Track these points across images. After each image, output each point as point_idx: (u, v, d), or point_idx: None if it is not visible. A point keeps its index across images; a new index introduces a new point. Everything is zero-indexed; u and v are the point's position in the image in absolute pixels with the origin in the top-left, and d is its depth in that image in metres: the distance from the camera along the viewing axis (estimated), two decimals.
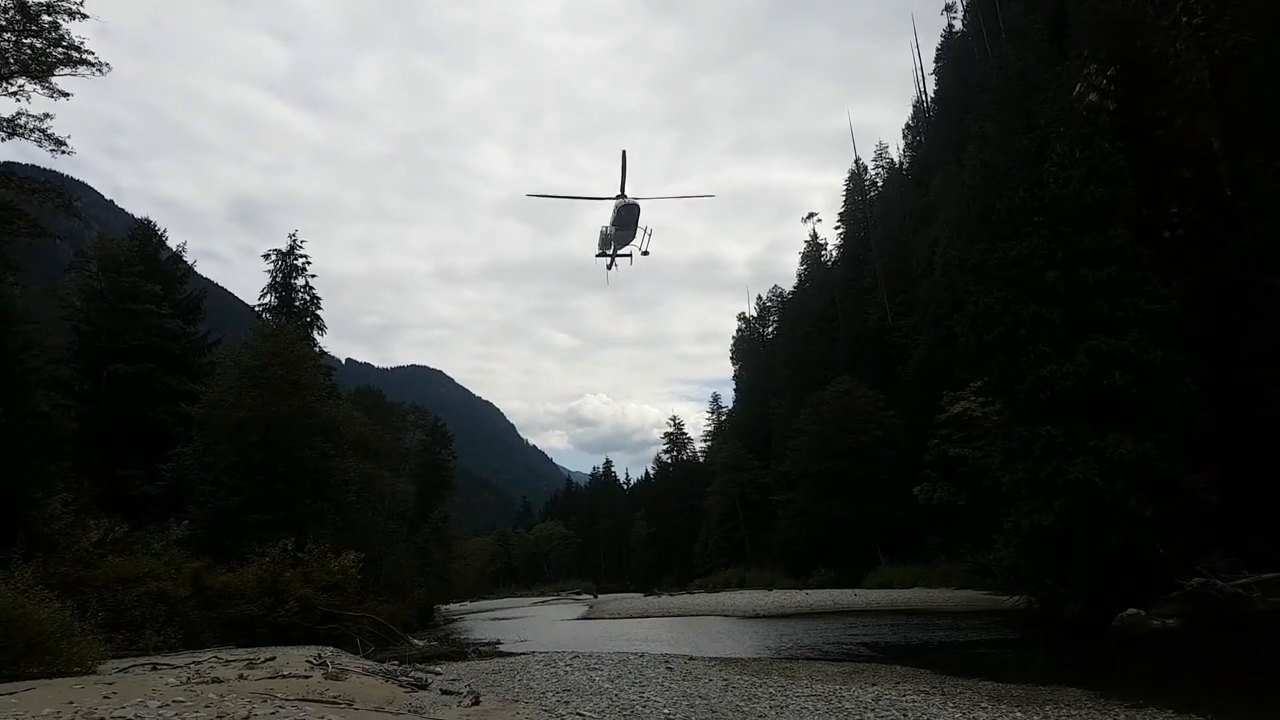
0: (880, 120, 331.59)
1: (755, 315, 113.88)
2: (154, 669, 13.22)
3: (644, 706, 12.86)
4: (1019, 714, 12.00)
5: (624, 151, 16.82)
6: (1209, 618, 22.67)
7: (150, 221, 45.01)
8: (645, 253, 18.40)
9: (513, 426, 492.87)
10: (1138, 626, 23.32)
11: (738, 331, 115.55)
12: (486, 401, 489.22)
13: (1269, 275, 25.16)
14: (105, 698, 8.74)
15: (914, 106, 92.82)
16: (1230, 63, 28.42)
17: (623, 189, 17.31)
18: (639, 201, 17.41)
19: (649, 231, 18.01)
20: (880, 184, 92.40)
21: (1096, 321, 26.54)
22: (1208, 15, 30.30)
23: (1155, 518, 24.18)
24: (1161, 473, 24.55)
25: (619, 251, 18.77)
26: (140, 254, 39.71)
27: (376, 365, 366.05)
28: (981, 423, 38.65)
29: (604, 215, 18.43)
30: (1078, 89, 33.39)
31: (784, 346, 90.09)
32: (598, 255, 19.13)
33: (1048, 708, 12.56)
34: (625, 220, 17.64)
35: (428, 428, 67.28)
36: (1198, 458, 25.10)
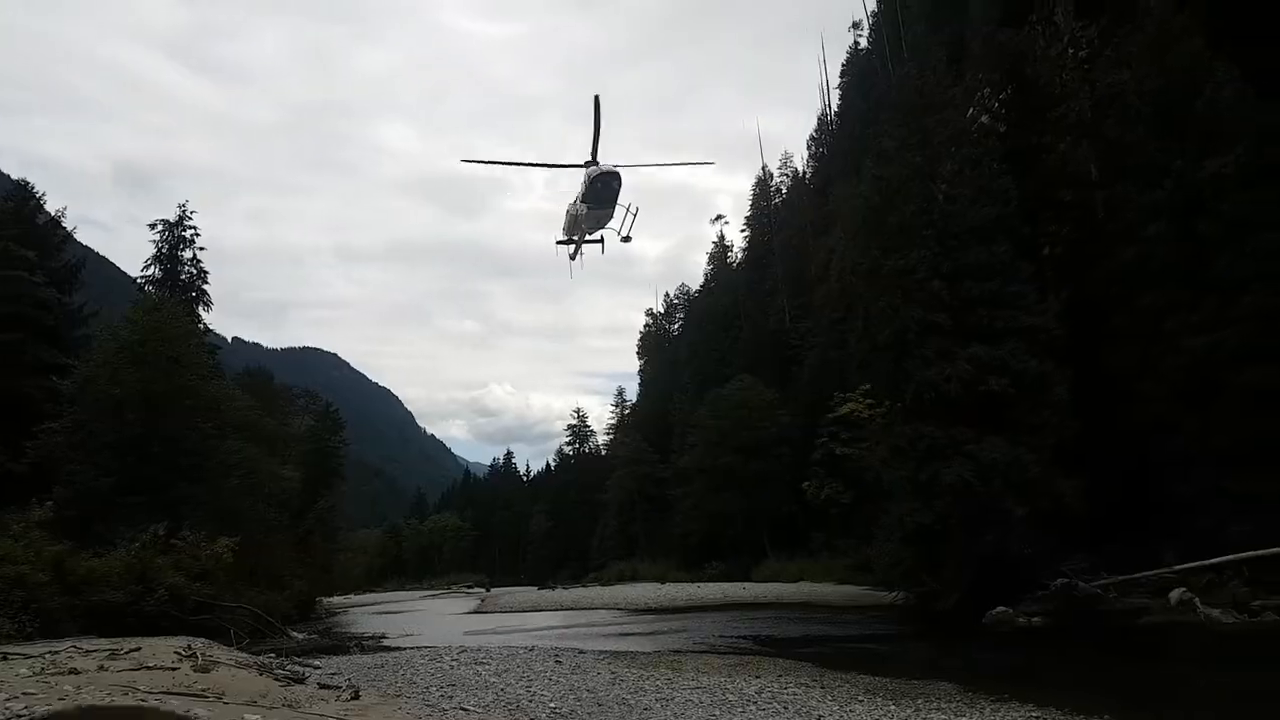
0: (788, 127, 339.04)
1: (663, 312, 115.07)
2: (4, 659, 12.35)
3: (530, 700, 12.77)
4: (893, 706, 12.49)
5: (596, 98, 12.36)
6: (1070, 616, 24.17)
7: (27, 183, 41.77)
8: (627, 238, 13.89)
9: (410, 414, 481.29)
10: (1006, 623, 24.65)
11: (645, 327, 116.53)
12: (383, 387, 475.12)
13: (1136, 296, 26.98)
14: None
15: (819, 118, 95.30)
16: (1109, 96, 30.33)
17: (595, 154, 12.97)
18: (620, 170, 13.08)
19: (634, 211, 13.58)
20: (784, 191, 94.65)
21: (978, 330, 27.92)
22: (1091, 50, 32.27)
23: (1026, 519, 25.65)
24: (1033, 476, 26.06)
25: (589, 237, 14.46)
26: (15, 217, 36.90)
27: (266, 345, 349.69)
28: (868, 423, 40.12)
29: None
30: (971, 111, 35.03)
31: (688, 343, 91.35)
32: (561, 242, 15.08)
33: (919, 700, 13.11)
34: (602, 196, 13.31)
35: (318, 412, 64.99)
36: (1067, 465, 26.72)
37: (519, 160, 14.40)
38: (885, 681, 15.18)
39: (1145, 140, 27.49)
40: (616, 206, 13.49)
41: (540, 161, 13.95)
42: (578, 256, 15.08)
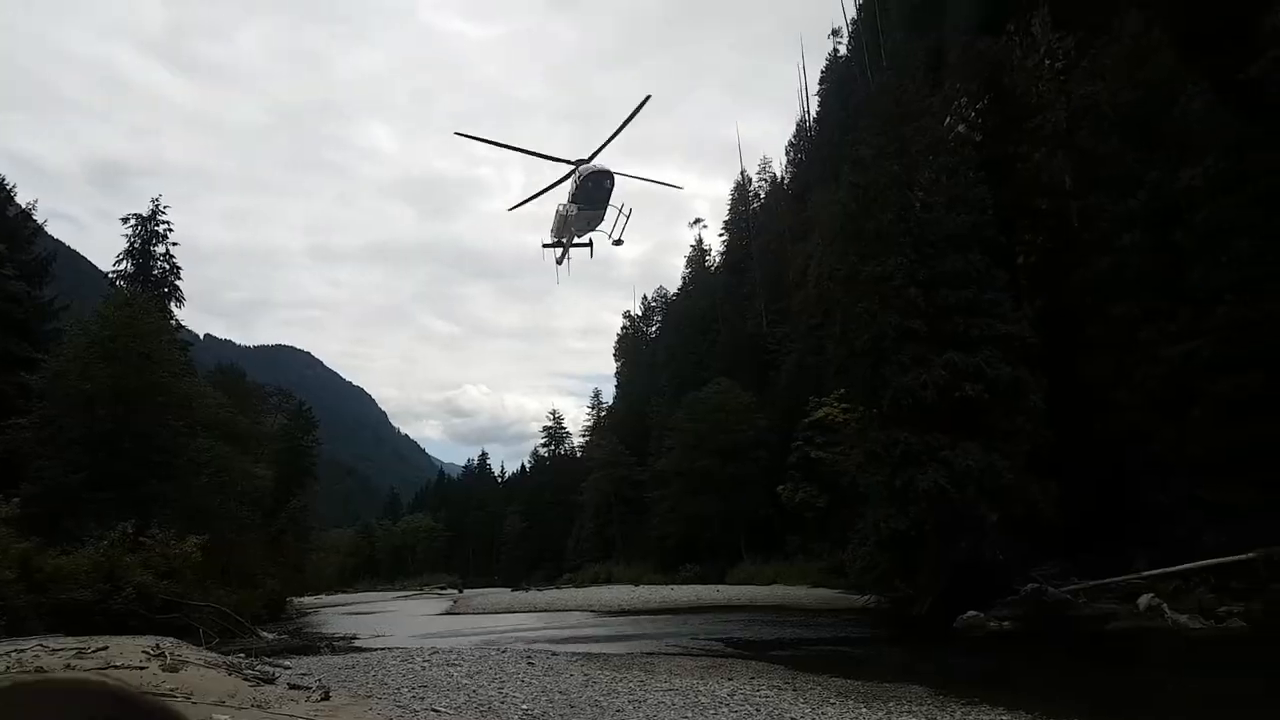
0: (767, 133, 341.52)
1: (640, 314, 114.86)
2: None
3: (502, 702, 12.66)
4: (864, 709, 12.50)
5: (646, 98, 12.14)
6: (1040, 621, 24.39)
7: None
8: (619, 242, 13.50)
9: (384, 414, 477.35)
10: (977, 628, 24.81)
11: (622, 329, 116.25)
12: (358, 387, 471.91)
13: (1110, 306, 27.31)
14: None
15: (798, 125, 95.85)
16: (1085, 107, 30.72)
17: (596, 153, 12.70)
18: (612, 171, 12.76)
19: (627, 213, 13.18)
20: (763, 196, 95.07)
21: (954, 338, 28.15)
22: (1067, 61, 32.66)
23: (999, 525, 25.88)
24: (1007, 483, 26.29)
25: (577, 240, 13.98)
26: None
27: (238, 342, 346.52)
28: (842, 428, 40.33)
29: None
30: (948, 120, 35.36)
31: (666, 346, 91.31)
32: (547, 245, 14.50)
33: (891, 703, 13.14)
34: (594, 196, 12.91)
35: (291, 411, 64.28)
36: (1041, 472, 26.99)
37: (512, 144, 13.60)
38: (857, 684, 15.20)
39: (1120, 151, 27.84)
40: (609, 208, 13.08)
41: (533, 150, 13.49)
42: (565, 260, 14.49)
